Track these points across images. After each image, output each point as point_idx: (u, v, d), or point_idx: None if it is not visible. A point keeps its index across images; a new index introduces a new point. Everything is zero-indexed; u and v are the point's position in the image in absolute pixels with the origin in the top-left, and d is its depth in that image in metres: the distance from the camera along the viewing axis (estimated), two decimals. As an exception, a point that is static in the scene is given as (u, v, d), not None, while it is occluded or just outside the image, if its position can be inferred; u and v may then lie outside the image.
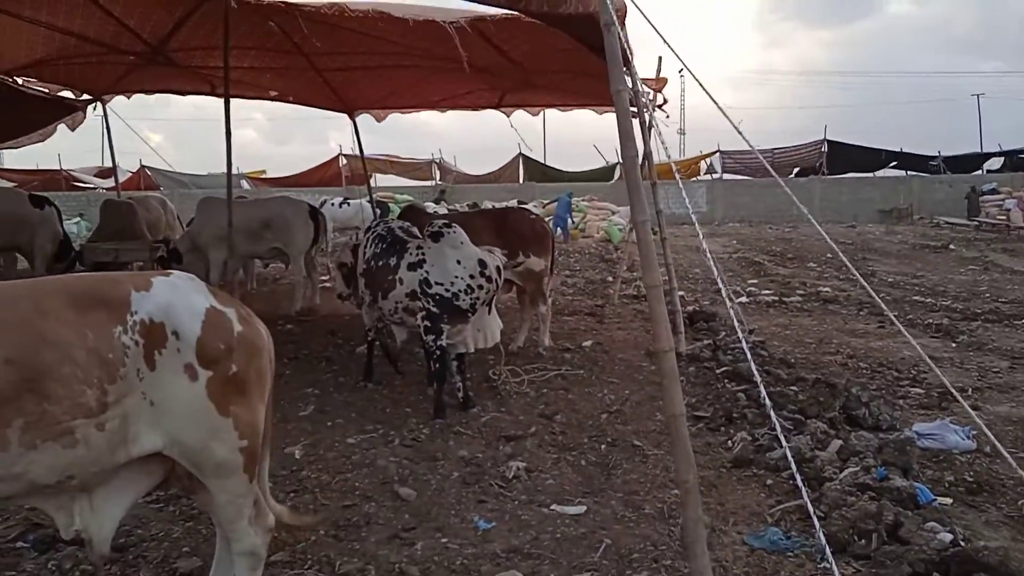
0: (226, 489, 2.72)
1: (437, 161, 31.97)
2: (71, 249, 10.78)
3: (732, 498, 4.17)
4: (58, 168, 28.29)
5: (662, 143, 7.35)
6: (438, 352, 5.52)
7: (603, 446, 4.96)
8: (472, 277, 5.51)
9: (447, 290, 5.47)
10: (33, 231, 10.21)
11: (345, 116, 12.43)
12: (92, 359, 2.41)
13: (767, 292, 11.36)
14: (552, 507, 4.05)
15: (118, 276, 2.72)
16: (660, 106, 7.99)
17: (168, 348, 2.53)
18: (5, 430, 2.28)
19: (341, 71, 10.10)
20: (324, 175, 30.34)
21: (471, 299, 5.51)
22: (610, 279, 12.60)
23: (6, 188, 19.81)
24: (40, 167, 28.61)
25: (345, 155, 29.36)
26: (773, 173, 4.52)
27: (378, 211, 15.63)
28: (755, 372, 3.59)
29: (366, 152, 14.78)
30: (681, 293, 8.81)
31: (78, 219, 21.19)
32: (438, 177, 31.82)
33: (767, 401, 3.48)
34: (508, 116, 11.23)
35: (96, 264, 10.80)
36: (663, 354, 3.36)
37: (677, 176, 3.98)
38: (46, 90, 11.12)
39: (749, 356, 3.68)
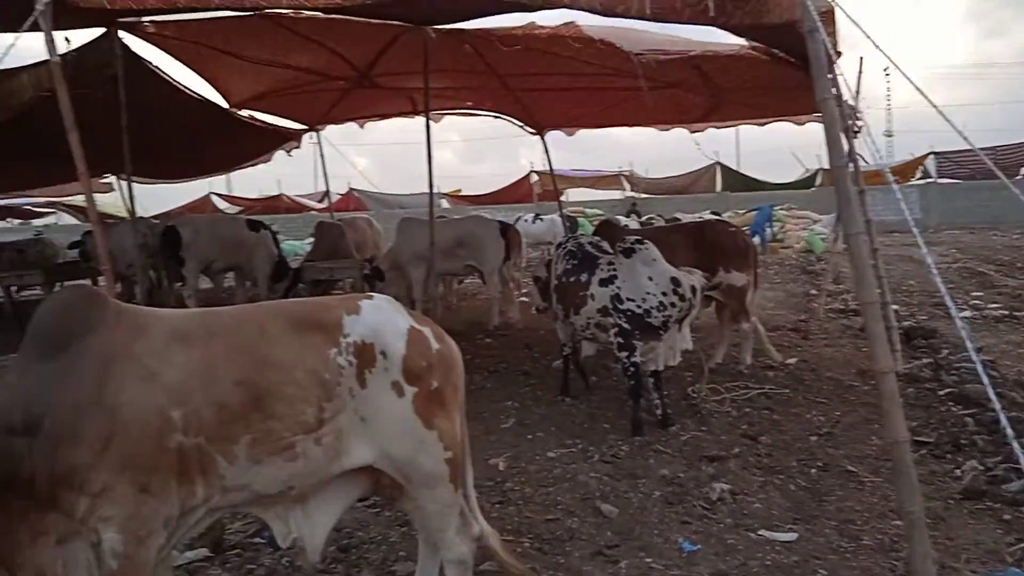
0: (434, 499, 2.84)
1: (627, 173, 31.83)
2: (287, 268, 11.71)
3: (963, 533, 3.82)
4: (278, 193, 30.93)
5: (870, 147, 6.91)
6: (632, 369, 5.49)
7: (813, 470, 4.71)
8: (664, 294, 5.44)
9: (639, 306, 5.43)
10: (251, 253, 11.20)
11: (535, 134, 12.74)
12: (311, 379, 2.59)
13: (994, 306, 10.32)
14: (760, 532, 3.90)
15: (329, 301, 2.90)
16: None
17: (377, 367, 2.68)
18: (233, 446, 2.48)
19: (531, 91, 10.36)
20: (517, 192, 31.10)
21: (663, 316, 5.44)
22: (813, 292, 11.97)
23: (226, 215, 21.93)
24: (263, 193, 31.44)
25: (536, 172, 29.96)
26: (1000, 174, 4.10)
27: (568, 225, 15.84)
28: (992, 395, 3.27)
29: (556, 168, 15.04)
30: (895, 307, 8.21)
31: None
32: (629, 190, 31.66)
33: (1008, 427, 3.16)
34: (693, 133, 11.06)
35: (314, 282, 11.73)
36: (882, 375, 3.16)
37: (892, 181, 3.70)
38: (267, 122, 12.34)
39: (984, 377, 3.35)
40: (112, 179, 13.46)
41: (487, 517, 4.11)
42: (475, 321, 10.47)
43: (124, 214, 11.21)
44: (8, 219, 29.45)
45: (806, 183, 28.85)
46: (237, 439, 2.49)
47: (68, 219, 30.37)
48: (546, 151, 13.33)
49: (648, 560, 3.66)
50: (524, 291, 12.37)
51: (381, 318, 2.77)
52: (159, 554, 2.47)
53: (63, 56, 5.56)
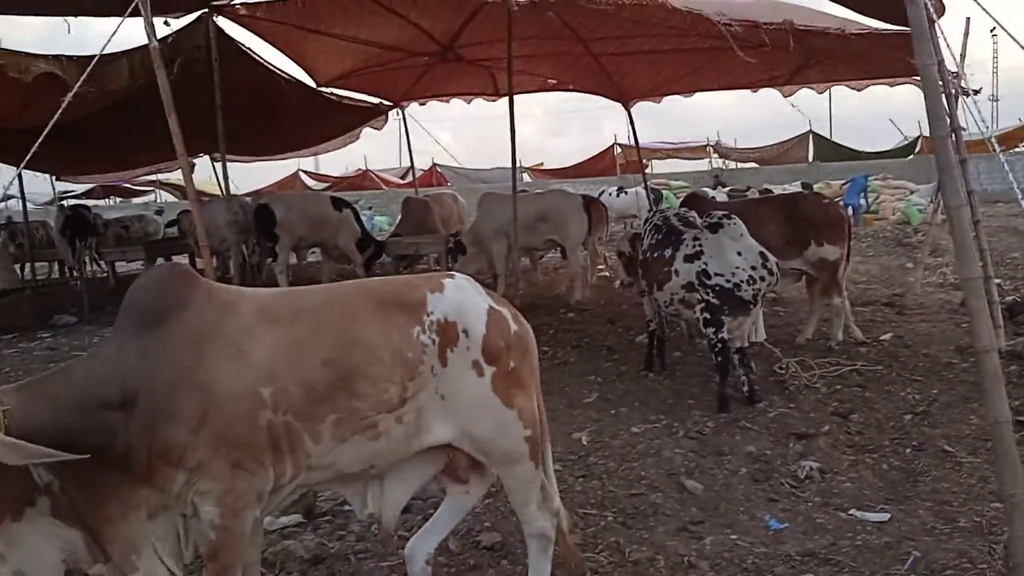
0: (515, 476, 2.87)
1: (714, 144, 31.13)
2: (371, 244, 11.94)
3: (1070, 518, 3.65)
4: (363, 170, 31.50)
5: (974, 114, 6.57)
6: (719, 345, 5.41)
7: (908, 450, 4.57)
8: (754, 268, 5.35)
9: (728, 281, 5.35)
10: (335, 230, 11.45)
11: (619, 105, 12.56)
12: (395, 358, 2.62)
13: (1106, 279, 9.75)
14: (851, 512, 3.81)
15: (413, 280, 2.89)
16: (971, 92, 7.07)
17: (459, 345, 2.70)
18: (319, 425, 2.53)
19: (616, 56, 10.21)
20: (599, 165, 30.81)
21: (753, 290, 5.35)
22: (909, 265, 11.52)
23: (313, 192, 22.43)
24: (349, 170, 32.07)
25: (620, 144, 29.60)
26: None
27: (652, 198, 15.64)
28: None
29: (640, 139, 14.83)
30: (998, 281, 7.82)
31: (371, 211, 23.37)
32: (715, 161, 30.99)
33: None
34: (786, 97, 10.68)
35: (398, 256, 11.96)
36: (984, 354, 3.04)
37: (997, 149, 3.52)
38: (355, 99, 12.60)
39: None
40: (205, 158, 13.95)
41: (569, 490, 4.19)
42: (557, 296, 10.47)
43: (216, 191, 11.65)
44: (110, 197, 30.87)
45: (904, 151, 27.63)
46: (323, 418, 2.53)
47: (166, 196, 31.70)
48: (631, 122, 13.18)
49: (733, 537, 3.63)
50: (607, 266, 12.33)
51: (463, 297, 2.78)
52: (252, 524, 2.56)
53: (161, 40, 5.79)
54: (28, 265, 15.65)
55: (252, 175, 48.66)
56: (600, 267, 12.19)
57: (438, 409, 2.69)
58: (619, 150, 29.76)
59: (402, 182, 28.54)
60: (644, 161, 16.34)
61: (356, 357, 2.57)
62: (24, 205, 16.19)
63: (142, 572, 2.40)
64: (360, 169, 31.38)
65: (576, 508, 3.98)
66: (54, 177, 18.99)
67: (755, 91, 11.09)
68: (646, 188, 15.52)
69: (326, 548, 3.68)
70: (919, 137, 26.04)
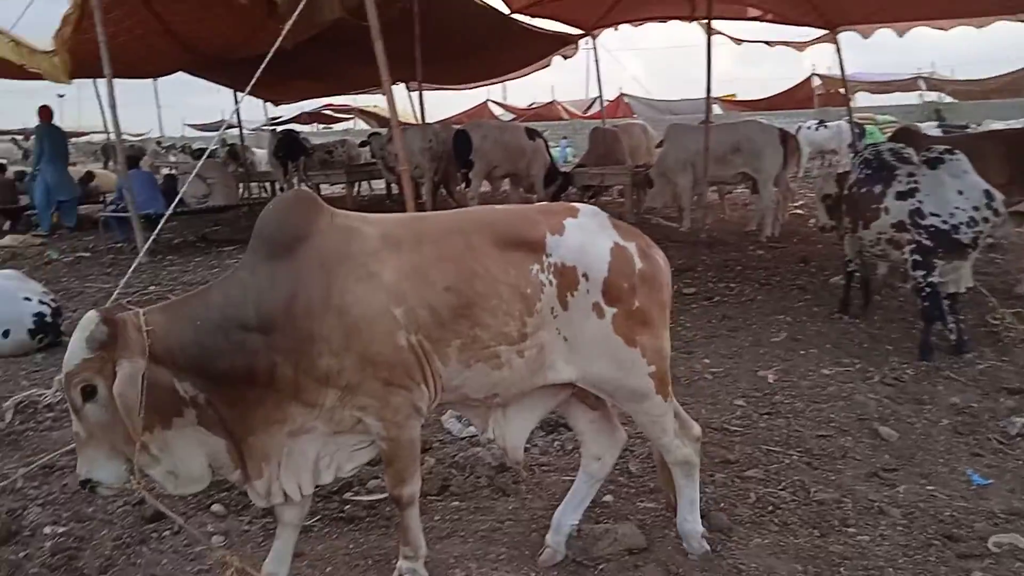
0: (644, 411, 2.84)
1: (926, 76, 28.39)
2: (558, 174, 12.00)
3: None
4: (550, 100, 31.45)
5: None
6: (928, 289, 5.05)
7: None
8: (976, 209, 4.92)
9: (945, 222, 4.95)
10: (529, 160, 11.59)
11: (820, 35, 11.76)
12: (514, 293, 2.62)
13: None
14: (1068, 475, 3.52)
15: (534, 217, 2.82)
16: None
17: (579, 289, 2.67)
18: (446, 348, 2.58)
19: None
20: (795, 97, 28.99)
21: (973, 233, 4.92)
22: None
23: (509, 123, 22.70)
24: (536, 101, 32.09)
25: (818, 75, 27.67)
26: None
27: (857, 133, 14.64)
28: None
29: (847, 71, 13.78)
30: None
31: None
32: (926, 95, 28.30)
33: None
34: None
35: (583, 187, 11.97)
36: None
37: None
38: (545, 27, 12.54)
39: None
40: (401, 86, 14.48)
41: (753, 427, 4.15)
42: (747, 233, 10.12)
43: (411, 120, 12.10)
44: (314, 124, 32.76)
45: None
46: (448, 342, 2.58)
47: (362, 125, 33.23)
48: (838, 51, 12.30)
49: (930, 488, 3.45)
50: (799, 203, 11.77)
51: (585, 239, 2.73)
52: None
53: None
54: (244, 185, 17.07)
55: (443, 104, 49.99)
56: (793, 203, 11.63)
57: (561, 349, 2.70)
58: (818, 81, 27.85)
59: (586, 113, 28.26)
60: (847, 94, 15.20)
61: (476, 287, 2.59)
62: (241, 130, 17.57)
63: (265, 480, 2.55)
64: (553, 102, 31.33)
65: (759, 444, 3.93)
66: (266, 103, 20.42)
67: (979, 27, 9.96)
68: (850, 122, 14.50)
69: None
70: None
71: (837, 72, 14.47)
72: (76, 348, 2.33)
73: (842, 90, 14.46)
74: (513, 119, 27.10)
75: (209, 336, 2.43)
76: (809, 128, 17.35)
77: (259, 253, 2.58)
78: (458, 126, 11.87)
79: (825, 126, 17.85)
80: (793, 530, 3.15)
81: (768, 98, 30.14)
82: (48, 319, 5.83)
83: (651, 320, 2.78)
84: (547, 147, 11.97)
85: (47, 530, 3.27)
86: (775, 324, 6.02)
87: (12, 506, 3.46)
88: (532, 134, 12.05)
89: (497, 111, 29.65)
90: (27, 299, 5.87)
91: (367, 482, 3.57)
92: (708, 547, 2.97)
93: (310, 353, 2.46)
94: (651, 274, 2.79)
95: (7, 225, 12.74)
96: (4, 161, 16.93)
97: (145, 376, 2.30)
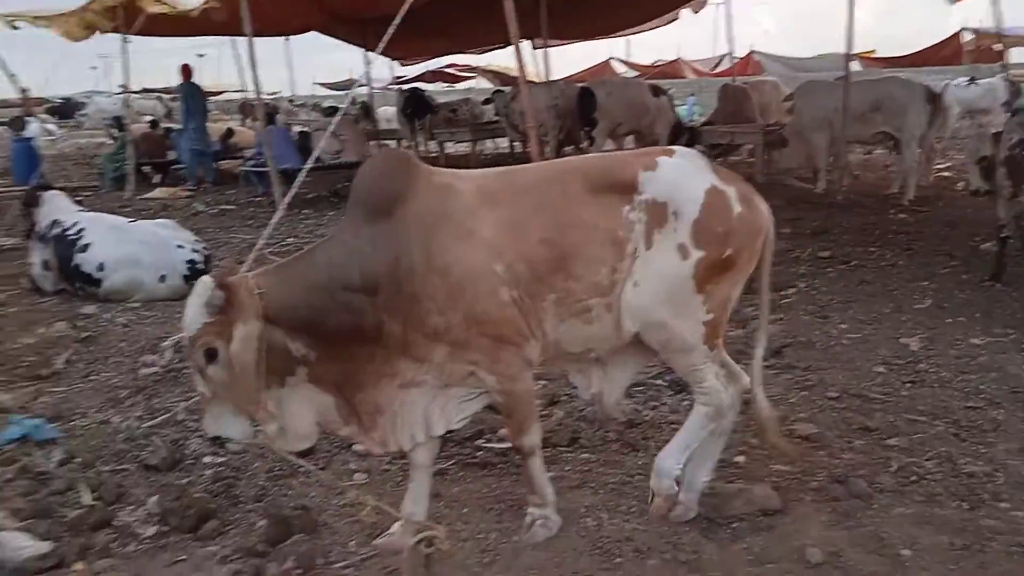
0: (686, 363, 2.76)
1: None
2: (684, 131, 11.71)
3: None
4: (675, 59, 30.59)
5: None
6: (1096, 257, 4.68)
7: None
8: None
9: (1120, 184, 4.56)
10: (653, 117, 11.37)
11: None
12: (607, 239, 2.59)
13: None
14: None
15: (628, 158, 2.77)
16: None
17: (667, 228, 2.60)
18: (542, 303, 2.58)
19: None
20: (940, 53, 27.09)
21: None
22: None
23: (633, 79, 22.25)
24: (661, 58, 31.28)
25: (969, 29, 25.69)
26: None
27: (1013, 91, 13.59)
28: None
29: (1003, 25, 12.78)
30: None
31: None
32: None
33: None
34: None
35: (711, 145, 11.64)
36: None
37: None
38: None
39: None
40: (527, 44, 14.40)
41: (895, 395, 3.98)
42: (888, 196, 9.59)
43: (534, 78, 12.06)
44: (438, 82, 33.11)
45: None
46: (544, 297, 2.57)
47: (485, 84, 33.34)
48: (994, 2, 11.39)
49: (1093, 466, 3.24)
50: (945, 165, 11.06)
51: (678, 177, 2.65)
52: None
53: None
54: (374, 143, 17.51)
55: (565, 62, 49.51)
56: (938, 165, 10.93)
57: (628, 297, 2.64)
58: (969, 36, 25.88)
59: (713, 72, 27.36)
60: (1005, 48, 14.05)
61: (572, 237, 2.57)
62: (371, 88, 17.96)
63: (379, 431, 2.62)
64: (678, 59, 30.49)
65: (901, 413, 3.77)
66: (393, 62, 20.77)
67: None
68: (1006, 79, 13.46)
69: (640, 414, 3.87)
70: None
71: (991, 25, 13.47)
72: (195, 313, 2.41)
73: (996, 45, 13.44)
74: (637, 76, 26.59)
75: (318, 297, 2.48)
76: (959, 85, 16.16)
77: (358, 215, 2.60)
78: (582, 83, 11.74)
79: (976, 83, 16.59)
80: (940, 501, 3.02)
81: (911, 54, 28.30)
82: (200, 266, 6.21)
83: (736, 269, 2.70)
84: (672, 104, 11.70)
85: (207, 459, 3.53)
86: (919, 290, 5.73)
87: (175, 437, 3.75)
88: (656, 91, 11.82)
89: (620, 68, 29.13)
90: (180, 247, 6.32)
91: (498, 430, 3.66)
92: (675, 489, 2.87)
93: (417, 312, 2.49)
94: (752, 221, 2.70)
95: (158, 178, 13.53)
96: (155, 117, 17.99)
97: (261, 337, 2.39)
